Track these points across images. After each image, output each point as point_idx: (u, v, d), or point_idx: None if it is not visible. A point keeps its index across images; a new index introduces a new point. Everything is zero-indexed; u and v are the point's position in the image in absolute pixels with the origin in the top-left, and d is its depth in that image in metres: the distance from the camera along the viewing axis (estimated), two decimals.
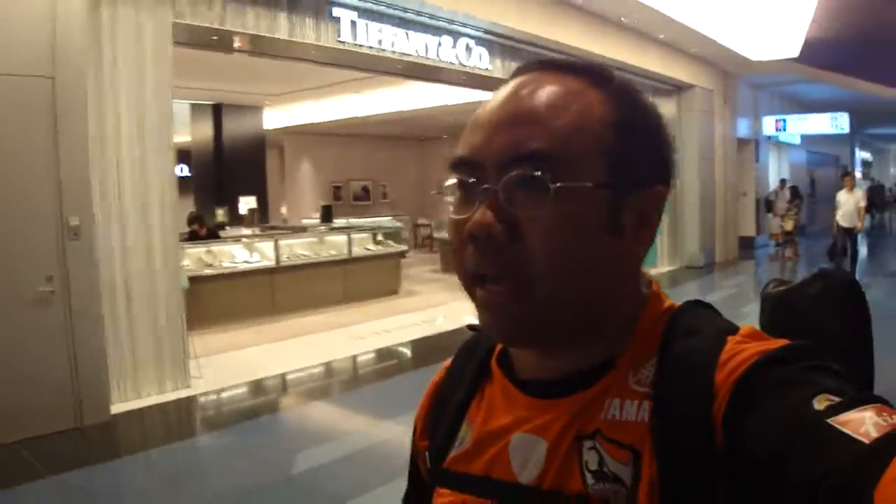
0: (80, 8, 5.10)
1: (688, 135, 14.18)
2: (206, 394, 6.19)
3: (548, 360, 0.74)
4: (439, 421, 0.84)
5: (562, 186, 0.65)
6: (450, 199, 0.73)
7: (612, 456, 0.65)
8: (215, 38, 6.56)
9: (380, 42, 7.75)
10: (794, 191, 16.37)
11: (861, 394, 0.56)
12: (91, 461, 4.75)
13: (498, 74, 9.33)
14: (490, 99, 0.73)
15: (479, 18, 8.53)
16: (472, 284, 0.70)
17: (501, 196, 0.66)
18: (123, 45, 5.55)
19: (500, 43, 9.40)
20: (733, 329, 0.68)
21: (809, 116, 17.95)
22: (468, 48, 8.93)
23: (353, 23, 7.44)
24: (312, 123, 16.44)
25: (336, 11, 7.28)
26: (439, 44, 8.52)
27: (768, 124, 17.90)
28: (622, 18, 10.87)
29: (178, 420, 5.82)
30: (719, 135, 15.36)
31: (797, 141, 20.41)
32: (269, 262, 9.64)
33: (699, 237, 14.42)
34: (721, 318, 0.73)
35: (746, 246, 16.96)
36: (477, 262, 0.68)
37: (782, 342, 0.64)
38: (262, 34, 6.62)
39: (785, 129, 18.02)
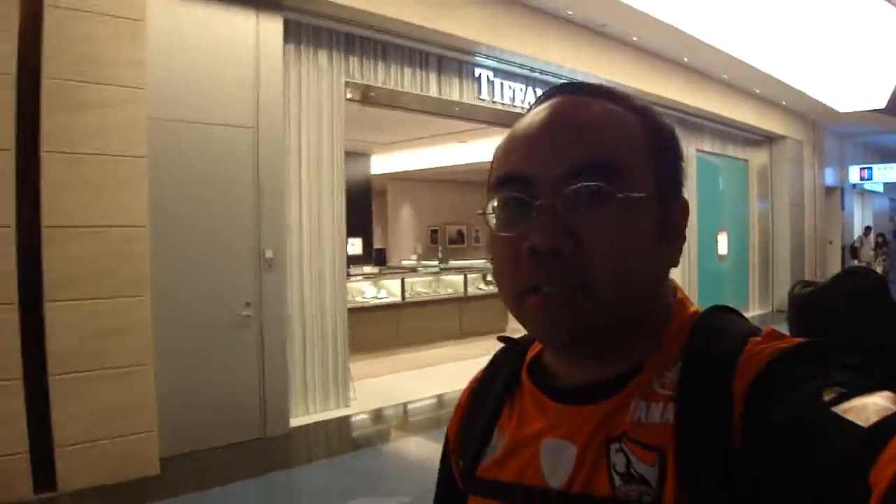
0: (278, 68, 5.66)
1: (779, 183, 14.21)
2: (362, 412, 6.57)
3: (584, 367, 0.73)
4: (472, 430, 0.83)
5: (624, 196, 0.66)
6: (492, 217, 0.72)
7: (639, 457, 0.65)
8: (372, 94, 7.08)
9: (512, 98, 8.19)
10: (883, 238, 16.13)
11: (870, 382, 0.56)
12: (278, 467, 5.16)
13: None
14: (526, 120, 0.73)
15: (595, 75, 8.90)
16: (523, 295, 0.69)
17: (561, 209, 0.66)
18: (306, 100, 6.10)
19: None
20: (755, 331, 0.68)
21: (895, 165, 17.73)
22: None
23: (491, 81, 7.91)
24: (416, 170, 16.98)
25: (477, 71, 7.77)
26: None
27: (854, 173, 17.74)
28: (724, 75, 11.11)
29: (343, 434, 6.20)
30: (808, 183, 15.31)
31: (880, 189, 20.09)
32: (396, 298, 10.07)
33: (790, 282, 14.31)
34: (745, 322, 0.72)
35: None
36: (537, 274, 0.66)
37: (798, 340, 0.64)
38: (417, 92, 7.12)
39: (871, 178, 17.83)
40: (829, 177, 16.76)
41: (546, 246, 0.65)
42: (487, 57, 7.67)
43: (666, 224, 0.70)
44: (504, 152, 0.73)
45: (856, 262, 16.96)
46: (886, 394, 0.53)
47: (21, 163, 4.23)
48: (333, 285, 6.33)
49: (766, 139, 14.10)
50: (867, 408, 0.52)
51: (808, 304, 0.82)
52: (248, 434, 5.48)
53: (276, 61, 5.64)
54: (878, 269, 15.30)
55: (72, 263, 4.38)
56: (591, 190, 0.65)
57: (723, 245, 13.11)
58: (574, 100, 0.72)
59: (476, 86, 7.78)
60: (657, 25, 8.48)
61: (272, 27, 5.61)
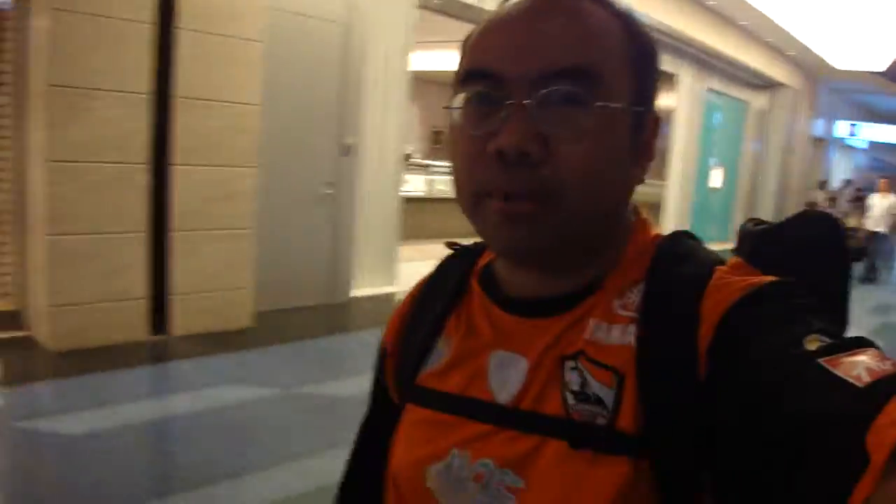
0: None
1: (774, 127, 14.65)
2: (404, 291, 7.05)
3: (538, 280, 0.68)
4: (413, 338, 0.77)
5: (602, 105, 0.60)
6: (457, 113, 0.65)
7: (596, 378, 0.61)
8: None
9: None
10: (861, 193, 16.63)
11: (854, 337, 0.53)
12: (339, 330, 5.67)
13: None
14: (500, 13, 0.66)
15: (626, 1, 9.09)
16: (483, 198, 0.63)
17: (533, 111, 0.60)
18: (388, 4, 6.34)
19: None
20: (721, 260, 0.65)
21: (883, 126, 18.15)
22: None
23: None
24: (424, 71, 16.98)
25: None
26: None
27: (841, 127, 18.17)
28: (743, 21, 11.33)
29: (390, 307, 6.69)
30: (799, 131, 15.73)
31: (864, 146, 20.60)
32: (422, 193, 10.46)
33: (772, 219, 14.87)
34: (708, 249, 0.69)
35: None
36: (501, 178, 0.61)
37: (770, 278, 0.60)
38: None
39: (856, 135, 18.28)
40: (819, 128, 17.18)
41: (514, 148, 0.59)
42: None
43: (638, 139, 0.66)
44: (476, 44, 0.66)
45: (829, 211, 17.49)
46: (872, 351, 0.50)
47: (159, 37, 4.50)
48: (393, 174, 6.71)
49: (767, 85, 14.41)
50: (857, 365, 0.48)
51: (759, 241, 0.74)
52: (319, 299, 5.95)
53: None
54: (855, 220, 15.81)
55: (196, 132, 4.70)
56: (567, 95, 0.60)
57: (716, 179, 13.59)
58: None
59: None
60: None
61: None
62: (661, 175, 11.83)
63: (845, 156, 20.84)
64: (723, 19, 11.02)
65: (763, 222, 0.76)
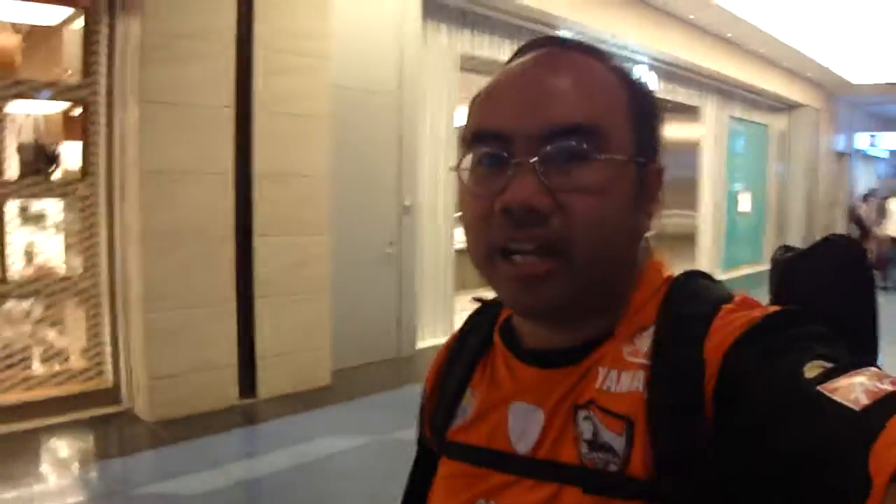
0: (417, 42, 6.20)
1: (796, 148, 14.78)
2: None
3: (558, 332, 0.68)
4: (445, 390, 0.80)
5: (605, 158, 0.61)
6: (465, 173, 0.66)
7: (606, 426, 0.62)
8: (473, 62, 7.59)
9: None
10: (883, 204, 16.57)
11: (853, 358, 0.52)
12: (410, 382, 5.85)
13: (659, 94, 10.23)
14: (506, 73, 0.67)
15: (655, 49, 9.38)
16: (494, 256, 0.64)
17: (539, 168, 0.61)
18: (432, 69, 6.64)
19: (663, 68, 10.24)
20: (728, 297, 0.65)
21: None
22: (644, 72, 9.81)
23: None
24: None
25: None
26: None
27: (861, 139, 18.28)
28: (760, 50, 11.56)
29: None
30: (821, 148, 15.86)
31: (885, 155, 20.67)
32: None
33: (802, 237, 14.96)
34: (718, 287, 0.68)
35: None
36: (510, 235, 0.62)
37: (771, 309, 0.61)
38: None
39: (876, 145, 18.37)
40: (839, 143, 17.29)
41: (521, 204, 0.60)
42: (568, 31, 8.15)
43: (643, 189, 0.66)
44: (482, 105, 0.67)
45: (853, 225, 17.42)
46: (871, 370, 0.50)
47: (238, 120, 4.80)
48: (446, 230, 6.95)
49: (786, 107, 14.59)
50: (854, 388, 0.48)
51: (786, 270, 0.76)
52: (388, 353, 6.16)
53: (416, 35, 6.17)
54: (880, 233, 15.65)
55: (273, 205, 4.98)
56: (571, 151, 0.61)
57: (745, 203, 13.70)
58: (555, 55, 0.66)
59: None
60: (709, 6, 8.96)
61: (413, 6, 6.14)
62: (692, 206, 11.97)
63: (867, 166, 20.88)
64: (741, 50, 11.26)
65: (792, 249, 0.77)
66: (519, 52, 0.70)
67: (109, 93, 4.75)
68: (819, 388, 0.49)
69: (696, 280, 0.69)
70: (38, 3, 4.83)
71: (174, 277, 4.57)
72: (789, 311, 0.60)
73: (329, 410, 4.96)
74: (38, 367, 4.98)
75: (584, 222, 0.61)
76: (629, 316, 0.67)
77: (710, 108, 11.98)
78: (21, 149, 4.94)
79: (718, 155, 12.35)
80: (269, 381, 5.05)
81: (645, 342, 0.64)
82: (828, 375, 0.50)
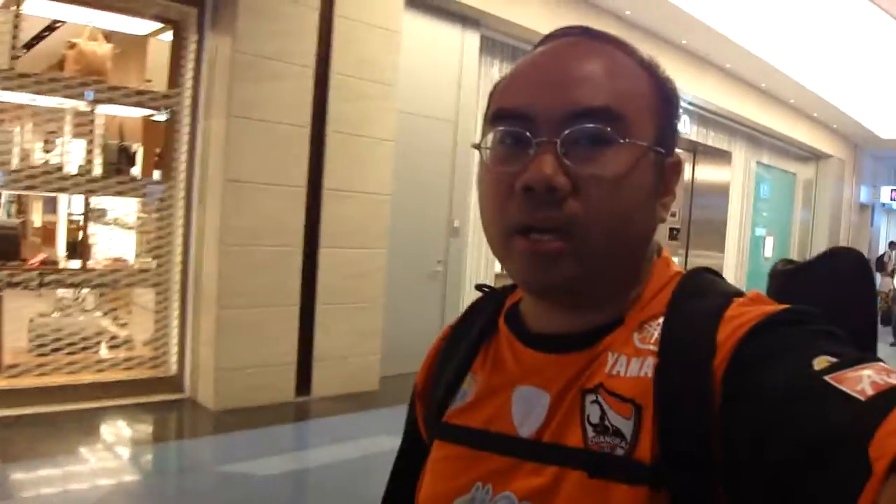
0: (474, 74, 6.63)
1: (821, 196, 15.05)
2: None
3: (568, 317, 0.68)
4: (442, 375, 0.79)
5: (628, 143, 0.62)
6: (487, 151, 0.66)
7: (614, 409, 0.61)
8: None
9: None
10: None
11: (861, 353, 0.53)
12: None
13: (692, 137, 10.60)
14: (531, 57, 0.68)
15: (692, 93, 9.77)
16: (512, 235, 0.63)
17: (561, 149, 0.61)
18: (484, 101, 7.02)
19: (697, 112, 10.62)
20: (740, 292, 0.65)
21: None
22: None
23: None
24: None
25: None
26: None
27: (885, 193, 18.52)
28: (791, 100, 11.92)
29: None
30: (846, 198, 16.12)
31: None
32: None
33: None
34: (728, 284, 0.69)
35: None
36: (529, 213, 0.61)
37: (785, 306, 0.60)
38: None
39: None
40: (864, 195, 17.55)
41: (543, 184, 0.60)
42: None
43: (660, 179, 0.67)
44: (506, 87, 0.68)
45: (880, 275, 17.62)
46: (878, 365, 0.51)
47: (313, 139, 5.21)
48: (488, 253, 7.29)
49: (813, 156, 14.89)
50: (862, 379, 0.49)
51: (789, 278, 0.75)
52: None
53: (473, 68, 6.61)
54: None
55: (340, 219, 5.37)
56: (593, 133, 0.61)
57: (769, 248, 13.96)
58: (582, 42, 0.67)
59: None
60: (747, 56, 9.35)
61: (472, 41, 6.57)
62: (720, 247, 12.26)
63: (892, 219, 21.09)
64: (772, 98, 11.62)
65: (793, 262, 0.76)
66: (546, 39, 0.70)
67: (194, 104, 5.18)
68: (826, 378, 0.50)
69: (706, 276, 0.70)
70: (130, 16, 5.30)
71: (246, 278, 4.94)
72: (803, 309, 0.60)
73: (377, 413, 5.27)
74: (107, 352, 5.36)
75: (601, 206, 0.61)
76: (639, 304, 0.67)
77: (739, 153, 12.31)
78: (105, 149, 5.36)
79: (745, 199, 12.66)
80: (324, 381, 5.39)
81: (655, 330, 0.64)
82: (835, 367, 0.51)
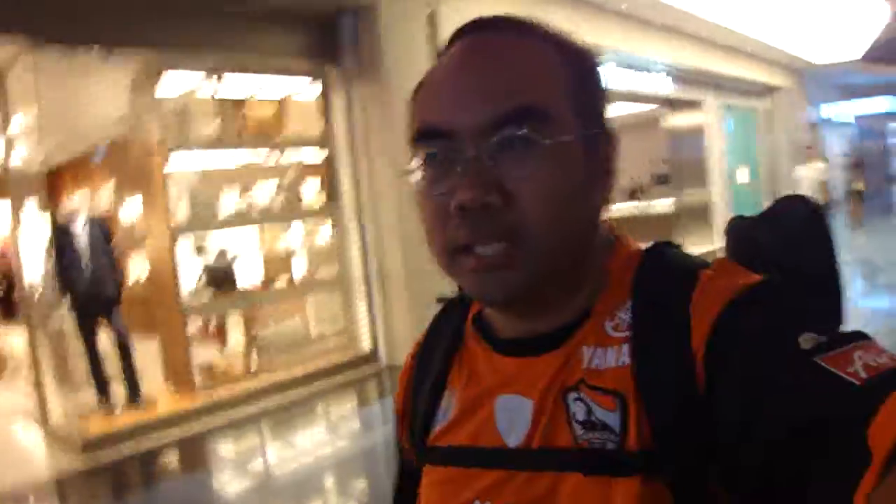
0: None
1: (778, 125, 17.54)
2: None
3: (531, 320, 0.68)
4: (419, 397, 0.78)
5: (551, 143, 0.61)
6: (415, 176, 0.66)
7: (599, 403, 0.62)
8: None
9: (620, 81, 11.26)
10: (860, 160, 19.52)
11: (846, 332, 0.54)
12: None
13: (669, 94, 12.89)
14: (440, 67, 0.67)
15: (666, 60, 11.94)
16: (457, 254, 0.64)
17: (487, 161, 0.61)
18: None
19: (675, 73, 12.82)
20: (704, 263, 0.65)
21: (863, 100, 21.34)
22: (659, 79, 12.46)
23: (613, 73, 10.91)
24: None
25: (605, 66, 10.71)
26: (644, 78, 12.04)
27: (829, 110, 21.23)
28: (745, 47, 14.23)
29: None
30: (798, 122, 18.64)
31: (851, 120, 23.72)
32: None
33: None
34: (690, 256, 0.68)
35: None
36: (468, 232, 0.62)
37: (755, 278, 0.61)
38: None
39: (842, 113, 21.45)
40: (812, 115, 20.14)
41: (475, 202, 0.60)
42: (615, 57, 10.62)
43: (595, 164, 0.66)
44: (421, 103, 0.67)
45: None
46: (867, 344, 0.52)
47: None
48: None
49: (767, 90, 17.35)
50: (853, 361, 0.49)
51: (744, 231, 0.76)
52: None
53: None
54: (859, 187, 18.44)
55: None
56: (515, 139, 0.61)
57: (743, 175, 16.30)
58: (486, 40, 0.66)
59: None
60: (706, 22, 11.59)
61: None
62: (704, 182, 14.54)
63: (840, 132, 23.83)
64: (732, 50, 13.92)
65: (745, 219, 0.79)
66: (449, 44, 0.69)
67: (351, 141, 7.02)
68: (817, 359, 0.50)
69: (667, 249, 0.70)
70: (284, 75, 7.09)
71: (427, 264, 6.82)
72: (774, 283, 0.61)
73: None
74: (312, 347, 7.22)
75: (538, 210, 0.61)
76: (604, 292, 0.67)
77: (709, 100, 14.57)
78: (285, 187, 7.20)
79: (718, 138, 14.95)
80: None
81: (625, 315, 0.65)
82: (824, 347, 0.51)
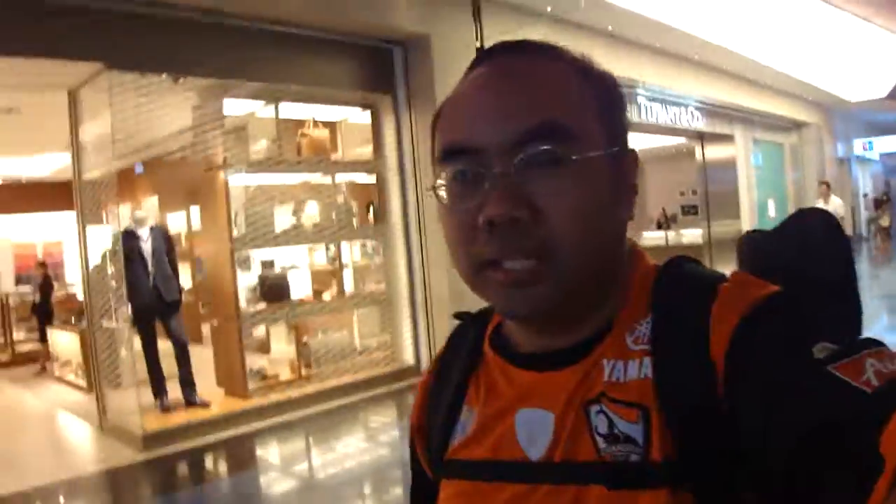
0: None
1: (806, 159, 17.84)
2: None
3: (553, 335, 0.69)
4: (436, 412, 0.78)
5: (578, 159, 0.62)
6: (443, 193, 0.67)
7: (621, 416, 0.62)
8: None
9: (656, 117, 11.66)
10: (887, 196, 19.69)
11: (859, 339, 0.54)
12: None
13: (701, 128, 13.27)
14: (465, 86, 0.68)
15: (697, 95, 12.30)
16: (484, 269, 0.64)
17: (516, 178, 0.62)
18: None
19: (705, 108, 13.17)
20: (722, 277, 0.66)
21: (890, 138, 21.61)
22: (691, 113, 12.83)
23: (646, 106, 11.34)
24: None
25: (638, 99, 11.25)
26: (676, 111, 12.43)
27: (857, 146, 21.50)
28: (770, 83, 14.57)
29: None
30: (826, 157, 18.91)
31: (876, 157, 23.94)
32: None
33: None
34: (707, 270, 0.70)
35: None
36: (497, 247, 0.62)
37: (771, 289, 0.61)
38: None
39: (871, 149, 21.62)
40: (840, 150, 20.44)
41: (504, 217, 0.60)
42: (646, 90, 11.03)
43: (619, 180, 0.67)
44: (447, 122, 0.68)
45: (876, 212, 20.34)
46: (878, 350, 0.52)
47: None
48: None
49: (795, 126, 17.70)
50: (865, 369, 0.50)
51: (760, 244, 0.77)
52: None
53: None
54: (887, 219, 18.62)
55: None
56: (544, 155, 0.62)
57: (771, 209, 16.55)
58: (512, 60, 0.67)
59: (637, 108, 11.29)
60: (734, 56, 11.96)
61: None
62: (735, 215, 14.83)
63: (865, 168, 24.08)
64: (758, 85, 14.26)
65: (760, 231, 0.80)
66: (473, 65, 0.70)
67: (400, 165, 7.46)
68: (830, 368, 0.51)
69: (684, 264, 0.70)
70: (338, 105, 7.63)
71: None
72: (791, 292, 0.61)
73: None
74: (357, 358, 7.58)
75: (567, 226, 0.62)
76: (624, 306, 0.68)
77: (738, 134, 14.91)
78: (338, 207, 7.59)
79: (748, 171, 15.24)
80: None
81: (645, 329, 0.65)
82: (837, 356, 0.52)
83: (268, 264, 7.63)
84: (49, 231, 13.81)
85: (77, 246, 6.47)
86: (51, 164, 11.61)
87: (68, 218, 12.98)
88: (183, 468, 5.68)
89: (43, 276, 10.88)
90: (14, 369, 10.32)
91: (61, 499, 5.16)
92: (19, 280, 13.40)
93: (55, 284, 11.31)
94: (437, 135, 0.70)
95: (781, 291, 0.61)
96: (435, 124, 0.71)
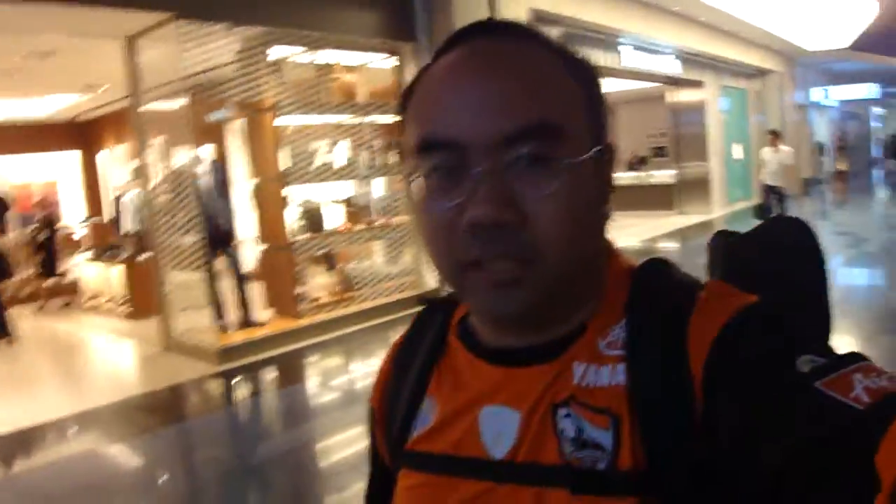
0: None
1: (769, 105, 19.09)
2: None
3: (529, 333, 0.67)
4: (396, 399, 0.77)
5: (569, 162, 0.60)
6: (418, 183, 0.63)
7: (591, 421, 0.60)
8: None
9: (635, 62, 12.69)
10: (844, 142, 21.17)
11: (844, 354, 0.53)
12: None
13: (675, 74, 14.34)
14: (443, 69, 0.64)
15: (673, 43, 13.30)
16: (465, 269, 0.62)
17: (502, 178, 0.59)
18: None
19: (680, 56, 14.20)
20: (698, 285, 0.65)
21: (848, 86, 23.25)
22: (669, 61, 13.90)
23: (628, 54, 12.32)
24: None
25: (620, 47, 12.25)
26: (655, 59, 13.47)
27: (815, 93, 22.88)
28: (740, 32, 15.65)
29: None
30: (787, 103, 20.23)
31: (835, 104, 25.50)
32: None
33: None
34: (684, 274, 0.68)
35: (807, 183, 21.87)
36: (480, 249, 0.60)
37: (749, 299, 0.61)
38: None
39: (827, 97, 23.10)
40: (800, 97, 21.84)
41: (489, 219, 0.58)
42: (626, 38, 11.98)
43: (601, 179, 0.66)
44: (424, 109, 0.64)
45: (825, 159, 21.79)
46: (864, 365, 0.51)
47: None
48: None
49: (759, 73, 18.89)
50: (854, 385, 0.49)
51: (731, 254, 0.76)
52: None
53: None
54: (843, 167, 20.03)
55: None
56: (531, 156, 0.59)
57: (737, 152, 17.80)
58: (494, 45, 0.64)
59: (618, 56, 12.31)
60: (709, 8, 12.96)
61: None
62: (704, 157, 16.00)
63: (823, 115, 25.58)
64: (729, 35, 15.32)
65: (732, 234, 0.79)
66: (449, 45, 0.66)
67: None
68: (818, 384, 0.50)
69: (659, 268, 0.69)
70: (365, 51, 8.41)
71: None
72: (771, 302, 0.60)
73: None
74: (389, 282, 8.49)
75: (555, 231, 0.60)
76: (599, 309, 0.67)
77: (708, 81, 16.02)
78: (362, 146, 8.37)
79: (715, 117, 16.41)
80: None
81: (619, 334, 0.64)
82: (824, 371, 0.51)
83: (305, 200, 8.40)
84: (44, 172, 14.17)
85: (95, 184, 7.04)
86: (53, 105, 12.04)
87: (66, 158, 13.50)
88: (258, 377, 6.63)
89: (46, 215, 11.39)
90: (33, 305, 10.76)
91: (170, 403, 6.03)
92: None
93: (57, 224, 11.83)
94: (410, 117, 0.66)
95: (762, 302, 0.61)
96: (406, 101, 0.67)
